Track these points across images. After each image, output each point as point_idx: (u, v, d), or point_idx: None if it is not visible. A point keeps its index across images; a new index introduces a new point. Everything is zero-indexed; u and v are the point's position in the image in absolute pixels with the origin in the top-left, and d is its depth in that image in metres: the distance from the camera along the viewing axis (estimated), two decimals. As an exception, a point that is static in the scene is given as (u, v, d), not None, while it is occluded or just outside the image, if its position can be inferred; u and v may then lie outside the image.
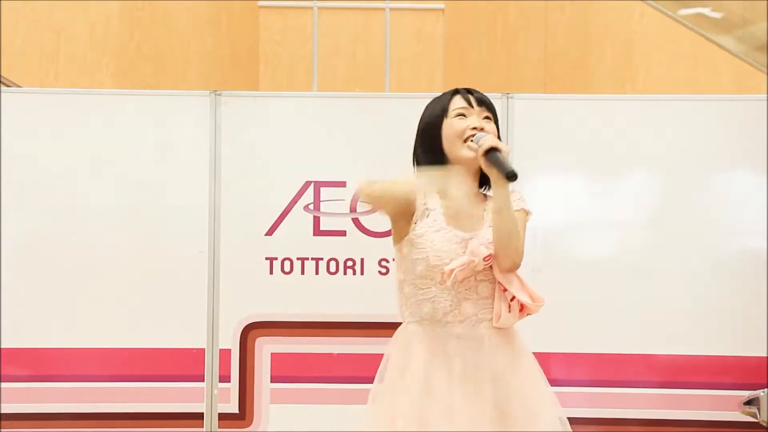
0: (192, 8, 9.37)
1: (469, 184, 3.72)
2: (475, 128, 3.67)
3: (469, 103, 3.71)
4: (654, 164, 5.80)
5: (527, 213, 3.73)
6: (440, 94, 3.86)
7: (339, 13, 9.04)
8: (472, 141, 3.66)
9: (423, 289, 3.65)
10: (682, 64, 9.53)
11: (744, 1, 8.86)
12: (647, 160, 5.80)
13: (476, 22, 9.65)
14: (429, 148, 3.72)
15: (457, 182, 3.70)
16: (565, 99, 6.20)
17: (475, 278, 3.61)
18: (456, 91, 3.77)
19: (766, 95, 6.00)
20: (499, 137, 3.68)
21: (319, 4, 8.92)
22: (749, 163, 5.79)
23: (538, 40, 9.66)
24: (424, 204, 3.67)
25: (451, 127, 3.69)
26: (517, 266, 3.62)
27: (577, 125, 5.80)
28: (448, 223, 3.63)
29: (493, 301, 3.63)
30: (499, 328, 3.64)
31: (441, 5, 9.10)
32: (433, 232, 3.62)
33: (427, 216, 3.66)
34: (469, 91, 3.75)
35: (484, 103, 3.72)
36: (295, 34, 9.02)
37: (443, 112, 3.71)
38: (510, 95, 5.76)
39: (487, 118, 3.70)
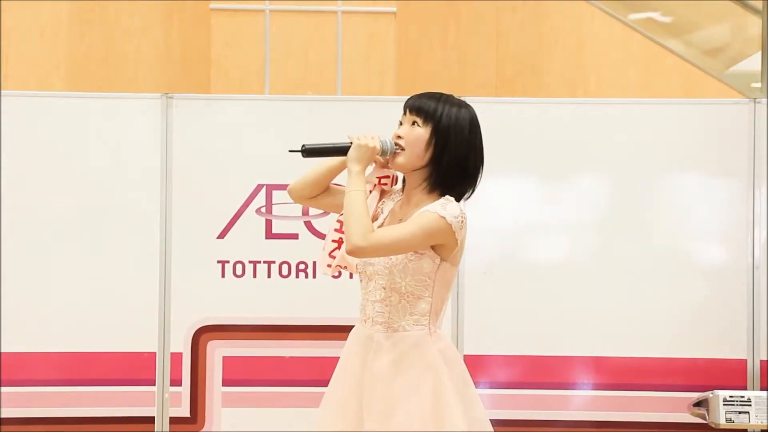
0: (143, 10, 9.33)
1: (410, 188, 3.65)
2: (397, 136, 3.62)
3: (404, 111, 3.66)
4: (605, 167, 5.84)
5: (440, 218, 3.57)
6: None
7: (291, 16, 9.03)
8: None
9: (360, 286, 3.70)
10: (633, 67, 9.60)
11: (693, 2, 8.93)
12: (598, 164, 5.84)
13: (428, 25, 9.67)
14: None
15: (406, 186, 3.69)
16: (516, 102, 6.22)
17: (375, 281, 3.61)
18: (409, 98, 3.73)
19: (714, 99, 6.06)
20: (441, 142, 3.59)
21: (271, 6, 8.90)
22: (699, 165, 5.84)
23: (490, 44, 9.70)
24: (381, 207, 3.70)
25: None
26: (353, 252, 3.50)
27: (529, 128, 5.82)
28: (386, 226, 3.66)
29: (384, 305, 3.61)
30: (392, 334, 3.60)
31: (393, 8, 9.12)
32: None
33: (377, 219, 3.68)
34: (416, 96, 3.68)
35: (413, 109, 3.63)
36: (246, 36, 9.00)
37: None
38: (462, 98, 5.77)
39: (414, 123, 3.61)
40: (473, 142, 3.65)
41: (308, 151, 3.57)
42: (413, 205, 3.63)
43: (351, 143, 3.57)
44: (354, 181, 3.54)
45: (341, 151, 3.57)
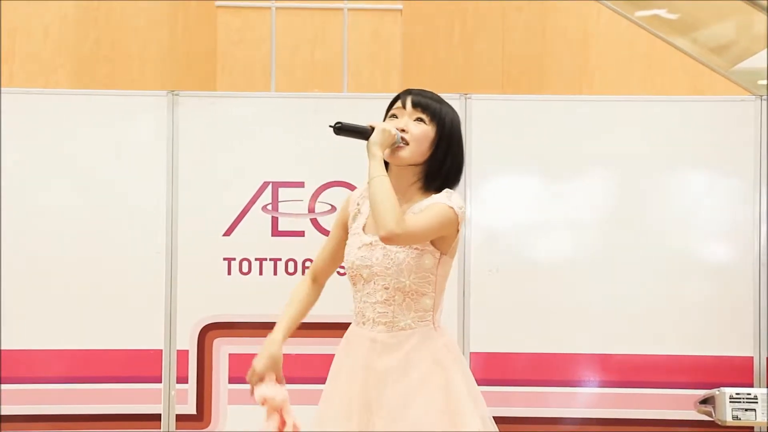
0: (149, 8, 9.33)
1: (402, 184, 3.60)
2: (401, 129, 3.57)
3: (404, 105, 3.64)
4: (611, 165, 5.84)
5: (450, 209, 3.57)
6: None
7: (297, 14, 9.02)
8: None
9: (352, 290, 3.69)
10: (638, 64, 9.59)
11: (699, 1, 8.92)
12: (604, 161, 5.84)
13: (434, 22, 9.67)
14: None
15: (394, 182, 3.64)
16: (522, 100, 6.22)
17: (374, 282, 3.60)
18: (405, 92, 3.71)
19: (720, 96, 6.05)
20: (445, 142, 3.59)
21: (277, 4, 8.90)
22: (705, 163, 5.84)
23: (496, 41, 9.69)
24: (357, 206, 3.68)
25: None
26: (389, 239, 3.45)
27: (534, 126, 5.82)
28: (367, 227, 3.63)
29: (386, 306, 3.60)
30: (398, 332, 3.58)
31: (399, 6, 9.11)
32: (352, 236, 3.64)
33: (355, 219, 3.67)
34: (416, 92, 3.66)
35: (420, 105, 3.60)
36: (252, 34, 8.99)
37: (385, 114, 3.68)
38: (468, 96, 5.77)
39: (419, 119, 3.59)
40: (462, 143, 3.69)
41: (339, 129, 3.55)
42: (406, 201, 3.60)
43: (373, 128, 3.54)
44: (378, 165, 3.50)
45: (365, 135, 3.55)
